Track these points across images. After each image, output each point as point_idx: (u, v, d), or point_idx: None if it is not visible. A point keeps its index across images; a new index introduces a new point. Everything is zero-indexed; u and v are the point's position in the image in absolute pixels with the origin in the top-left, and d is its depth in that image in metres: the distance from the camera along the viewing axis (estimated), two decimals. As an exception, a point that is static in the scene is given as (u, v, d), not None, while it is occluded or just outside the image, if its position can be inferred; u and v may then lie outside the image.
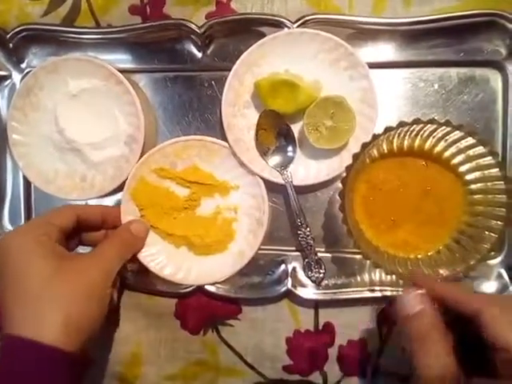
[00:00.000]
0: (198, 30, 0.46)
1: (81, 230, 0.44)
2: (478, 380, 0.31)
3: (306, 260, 0.46)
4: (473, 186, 0.41)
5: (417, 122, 0.38)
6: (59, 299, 0.35)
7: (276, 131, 0.46)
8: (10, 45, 0.50)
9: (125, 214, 0.46)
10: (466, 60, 0.45)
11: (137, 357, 0.51)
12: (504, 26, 0.43)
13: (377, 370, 0.48)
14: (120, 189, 0.46)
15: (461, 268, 0.39)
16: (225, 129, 0.45)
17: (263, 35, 0.45)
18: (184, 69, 0.50)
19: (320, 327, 0.48)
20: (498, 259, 0.45)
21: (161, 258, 0.46)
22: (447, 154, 0.41)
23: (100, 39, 0.49)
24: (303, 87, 0.43)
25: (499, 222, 0.38)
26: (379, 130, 0.39)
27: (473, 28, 0.44)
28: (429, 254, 0.42)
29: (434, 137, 0.40)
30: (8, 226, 0.53)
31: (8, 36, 0.49)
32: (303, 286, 0.47)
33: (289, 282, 0.47)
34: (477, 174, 0.40)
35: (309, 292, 0.47)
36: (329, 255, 0.48)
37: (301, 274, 0.47)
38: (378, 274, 0.47)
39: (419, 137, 0.40)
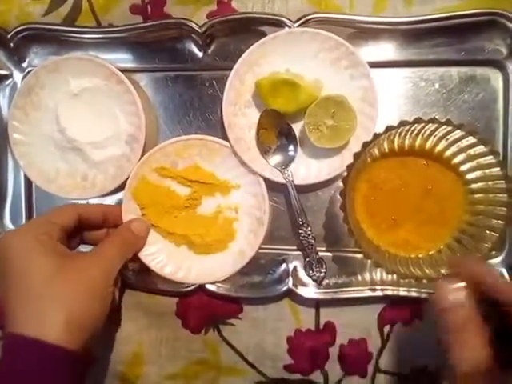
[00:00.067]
0: (198, 30, 0.46)
1: (82, 228, 0.44)
2: None
3: (307, 259, 0.46)
4: (474, 186, 0.41)
5: (418, 121, 0.38)
6: (61, 298, 0.35)
7: (277, 130, 0.46)
8: (11, 44, 0.50)
9: (126, 212, 0.46)
10: (467, 59, 0.45)
11: (138, 356, 0.51)
12: (505, 25, 0.43)
13: (378, 370, 0.48)
14: (121, 188, 0.46)
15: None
16: (226, 128, 0.45)
17: (264, 34, 0.45)
18: (185, 68, 0.50)
19: (321, 326, 0.48)
20: (499, 258, 0.45)
21: (161, 256, 0.46)
22: (448, 153, 0.41)
23: (101, 38, 0.49)
24: (304, 86, 0.43)
25: (500, 221, 0.38)
26: (380, 129, 0.39)
27: (474, 27, 0.44)
28: (430, 253, 0.42)
29: (434, 136, 0.40)
30: (9, 226, 0.53)
31: (9, 36, 0.49)
32: (304, 285, 0.47)
33: (290, 282, 0.47)
34: (478, 173, 0.40)
35: (310, 291, 0.47)
36: (330, 254, 0.48)
37: (302, 273, 0.47)
38: (378, 274, 0.47)
39: (420, 136, 0.40)
